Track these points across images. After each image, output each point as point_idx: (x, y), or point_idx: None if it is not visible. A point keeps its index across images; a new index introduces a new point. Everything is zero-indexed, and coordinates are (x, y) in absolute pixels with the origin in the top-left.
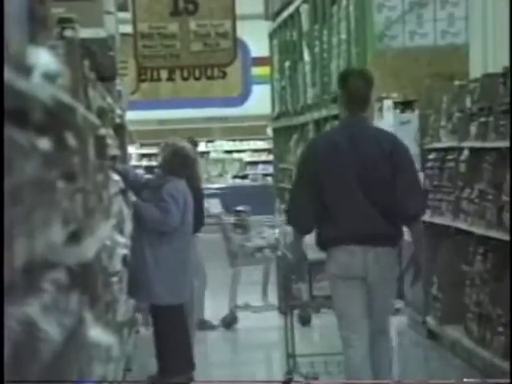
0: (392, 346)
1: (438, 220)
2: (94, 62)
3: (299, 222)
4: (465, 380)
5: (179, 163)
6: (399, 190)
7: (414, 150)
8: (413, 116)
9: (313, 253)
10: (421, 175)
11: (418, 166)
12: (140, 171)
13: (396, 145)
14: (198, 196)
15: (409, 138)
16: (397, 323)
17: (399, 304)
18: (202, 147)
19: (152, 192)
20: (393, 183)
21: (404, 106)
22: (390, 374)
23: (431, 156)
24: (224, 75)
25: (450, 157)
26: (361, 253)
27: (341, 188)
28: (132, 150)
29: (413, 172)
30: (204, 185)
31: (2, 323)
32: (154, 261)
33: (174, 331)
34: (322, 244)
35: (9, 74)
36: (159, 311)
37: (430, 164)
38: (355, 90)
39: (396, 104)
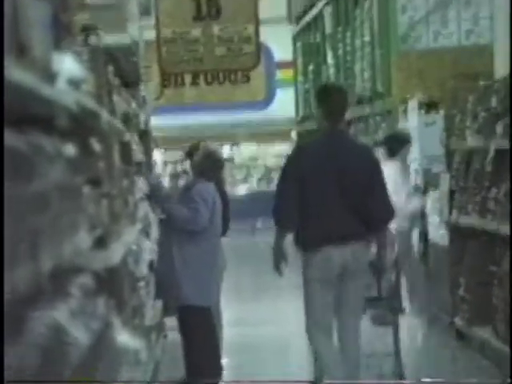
0: (359, 345)
1: (464, 221)
2: (117, 68)
3: (285, 219)
4: (472, 381)
5: (210, 166)
6: (371, 199)
7: (439, 150)
8: (438, 117)
9: None
10: (446, 176)
11: (443, 166)
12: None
13: (371, 156)
14: (225, 199)
15: (434, 138)
16: (425, 324)
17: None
18: (226, 152)
19: (182, 194)
20: (366, 192)
21: (429, 107)
22: (357, 371)
23: (457, 157)
24: (248, 79)
25: (475, 157)
26: (338, 253)
27: (320, 193)
28: (157, 155)
29: (384, 183)
30: (229, 189)
31: (2, 323)
32: (181, 261)
33: (201, 333)
34: (301, 246)
35: (34, 81)
36: (186, 313)
37: (455, 165)
38: (336, 103)
39: (421, 105)
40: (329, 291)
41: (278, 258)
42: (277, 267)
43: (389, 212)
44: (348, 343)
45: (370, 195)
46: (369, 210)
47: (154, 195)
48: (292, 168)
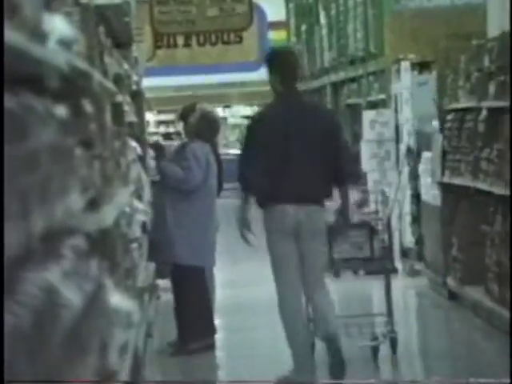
0: (332, 300)
1: (456, 181)
2: (109, 29)
3: (251, 185)
4: (471, 380)
5: (206, 127)
6: (335, 158)
7: (432, 111)
8: (430, 77)
9: (332, 216)
10: (439, 137)
11: (436, 126)
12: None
13: (330, 116)
14: (219, 161)
15: (427, 99)
16: (417, 285)
17: (419, 265)
18: (219, 113)
19: (175, 154)
20: (327, 151)
21: (421, 67)
22: (336, 328)
23: (450, 117)
24: (240, 40)
25: (468, 117)
26: (293, 211)
27: (280, 152)
28: (149, 116)
29: (346, 144)
30: (222, 150)
31: (2, 323)
32: (175, 221)
33: (194, 293)
34: (261, 202)
35: (24, 41)
36: (180, 272)
37: (448, 125)
38: (290, 66)
39: (413, 65)
40: (289, 245)
41: (243, 227)
42: (242, 236)
43: (354, 170)
44: (319, 302)
45: (333, 153)
46: (333, 167)
47: (155, 154)
48: (253, 133)
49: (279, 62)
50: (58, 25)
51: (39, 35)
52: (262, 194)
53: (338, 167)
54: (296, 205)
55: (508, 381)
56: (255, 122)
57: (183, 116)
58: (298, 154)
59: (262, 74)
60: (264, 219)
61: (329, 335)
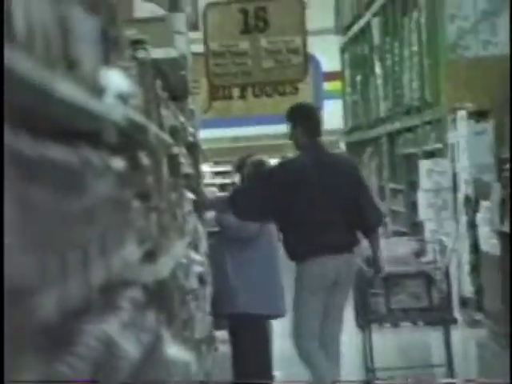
0: (340, 340)
1: None
2: (166, 82)
3: (246, 211)
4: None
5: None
6: (362, 206)
7: (489, 159)
8: (488, 126)
9: (390, 265)
10: (497, 185)
11: (493, 175)
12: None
13: (356, 167)
14: None
15: (484, 147)
16: (477, 335)
17: (479, 316)
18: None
19: None
20: (354, 201)
21: (478, 115)
22: (339, 366)
23: (507, 165)
24: (296, 91)
25: None
26: (332, 262)
27: (311, 205)
28: (205, 168)
29: (369, 190)
30: None
31: (2, 323)
32: (236, 271)
33: (255, 344)
34: (297, 257)
35: (83, 96)
36: (240, 322)
37: (506, 173)
38: (316, 118)
39: (470, 114)
40: (320, 301)
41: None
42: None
43: (379, 215)
44: (332, 350)
45: (358, 203)
46: (360, 215)
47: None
48: (275, 178)
49: (305, 115)
50: (116, 79)
51: (97, 89)
52: (295, 248)
53: (365, 215)
54: (335, 255)
55: (508, 381)
56: (283, 168)
57: (238, 167)
58: (327, 206)
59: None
60: (298, 275)
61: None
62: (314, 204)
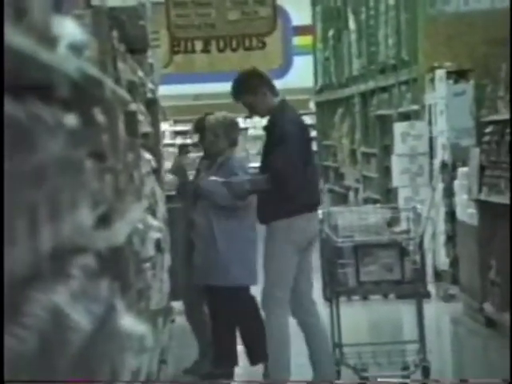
0: (325, 327)
1: (495, 199)
2: (123, 33)
3: (310, 195)
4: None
5: (237, 133)
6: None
7: (468, 123)
8: (468, 86)
9: (360, 235)
10: (476, 151)
11: (473, 140)
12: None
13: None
14: None
15: (463, 110)
16: (452, 310)
17: (453, 289)
18: (240, 123)
19: (217, 169)
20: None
21: (458, 75)
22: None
23: (488, 129)
24: (263, 46)
25: (508, 130)
26: (314, 219)
27: (308, 162)
28: (165, 126)
29: None
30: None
31: (2, 323)
32: (226, 241)
33: (254, 314)
34: (286, 212)
35: (32, 46)
36: (231, 295)
37: (486, 138)
38: (266, 76)
39: (449, 74)
40: (296, 258)
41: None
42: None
43: None
44: (310, 310)
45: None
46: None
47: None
48: (298, 139)
49: (259, 77)
50: (69, 28)
51: (48, 39)
52: (282, 205)
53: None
54: (315, 213)
55: (508, 381)
56: (299, 128)
57: (198, 128)
58: (313, 162)
59: (287, 81)
60: (283, 230)
61: (325, 366)
62: (310, 161)
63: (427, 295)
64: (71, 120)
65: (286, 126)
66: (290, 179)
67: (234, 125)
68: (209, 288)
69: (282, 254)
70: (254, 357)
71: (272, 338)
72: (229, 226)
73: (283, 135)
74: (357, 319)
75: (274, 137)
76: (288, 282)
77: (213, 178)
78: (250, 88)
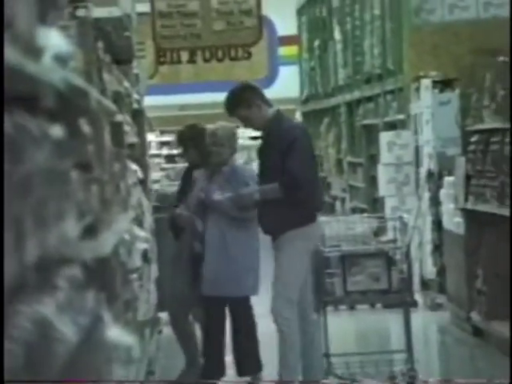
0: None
1: (481, 207)
2: (108, 44)
3: (320, 203)
4: (460, 380)
5: (237, 142)
6: None
7: (454, 132)
8: (453, 96)
9: (347, 245)
10: (462, 160)
11: (458, 149)
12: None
13: None
14: None
15: (449, 119)
16: (439, 319)
17: (440, 299)
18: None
19: (226, 180)
20: None
21: (443, 85)
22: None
23: (474, 138)
24: (249, 56)
25: (494, 139)
26: (319, 225)
27: (316, 169)
28: (151, 137)
29: None
30: None
31: (2, 323)
32: (241, 252)
33: (254, 325)
34: (301, 220)
35: (17, 57)
36: (243, 304)
37: (472, 147)
38: (259, 89)
39: (434, 83)
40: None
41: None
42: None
43: None
44: (312, 319)
45: None
46: None
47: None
48: (307, 145)
49: (252, 89)
50: (54, 39)
51: (33, 50)
52: (297, 213)
53: None
54: (317, 219)
55: (508, 381)
56: (305, 134)
57: (183, 140)
58: (317, 166)
59: (273, 91)
60: (299, 237)
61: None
62: (316, 168)
63: (414, 304)
64: (57, 131)
65: (295, 132)
66: (306, 186)
67: (235, 134)
68: (216, 299)
69: (301, 263)
70: (246, 368)
71: (289, 344)
72: (240, 236)
73: (294, 142)
74: (344, 329)
75: (280, 144)
76: (297, 290)
77: (216, 190)
78: (244, 101)
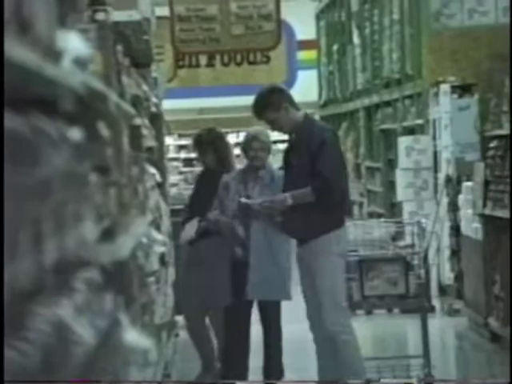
0: None
1: (500, 213)
2: (127, 47)
3: (348, 205)
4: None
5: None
6: None
7: (473, 137)
8: (472, 101)
9: (364, 249)
10: (481, 165)
11: (477, 155)
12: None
13: None
14: None
15: (467, 124)
16: (456, 325)
17: (458, 304)
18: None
19: (264, 186)
20: None
21: (462, 90)
22: None
23: (492, 144)
24: (267, 60)
25: None
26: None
27: (345, 172)
28: (169, 141)
29: None
30: None
31: (2, 323)
32: (282, 257)
33: (280, 331)
34: (336, 223)
35: (37, 60)
36: (276, 307)
37: (491, 152)
38: (288, 92)
39: (454, 88)
40: None
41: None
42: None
43: None
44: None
45: None
46: None
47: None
48: (337, 148)
49: (281, 92)
50: (73, 43)
51: (53, 53)
52: (330, 217)
53: None
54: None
55: (508, 381)
56: (335, 137)
57: (198, 142)
58: (346, 168)
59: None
60: (335, 240)
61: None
62: (346, 171)
63: (432, 310)
64: (75, 134)
65: (325, 135)
66: (338, 189)
67: (269, 136)
68: (247, 303)
69: (341, 267)
70: (272, 372)
71: (353, 350)
72: (282, 241)
73: (323, 144)
74: (361, 333)
75: (310, 147)
76: (344, 295)
77: (260, 194)
78: (272, 104)
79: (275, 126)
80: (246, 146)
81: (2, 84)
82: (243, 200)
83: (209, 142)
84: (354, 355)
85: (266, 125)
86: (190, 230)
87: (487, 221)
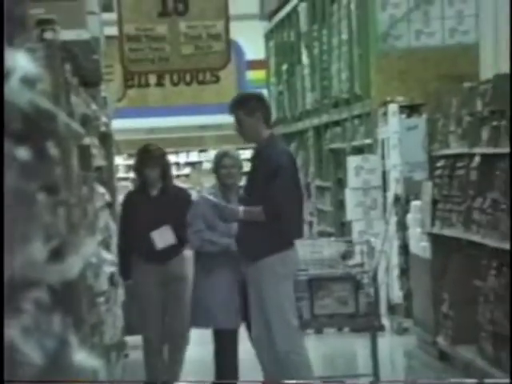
0: None
1: (447, 232)
2: (76, 66)
3: (299, 231)
4: (459, 380)
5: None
6: None
7: (421, 157)
8: (420, 121)
9: (314, 268)
10: (428, 184)
11: (426, 174)
12: None
13: None
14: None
15: (416, 144)
16: (405, 343)
17: (407, 323)
18: (194, 157)
19: (234, 197)
20: None
21: (410, 110)
22: None
23: (440, 163)
24: (217, 80)
25: (459, 164)
26: (296, 250)
27: (299, 197)
28: (119, 160)
29: None
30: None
31: (2, 324)
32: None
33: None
34: (279, 246)
35: None
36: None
37: (438, 172)
38: (269, 107)
39: (402, 108)
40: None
41: None
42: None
43: None
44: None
45: None
46: None
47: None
48: (292, 172)
49: (263, 103)
50: (21, 62)
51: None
52: (276, 238)
53: None
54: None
55: (508, 381)
56: (292, 162)
57: (142, 162)
58: (301, 193)
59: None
60: (281, 263)
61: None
62: (300, 196)
63: (381, 328)
64: (24, 153)
65: (282, 159)
66: (287, 215)
67: (239, 155)
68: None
69: (288, 287)
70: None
71: (306, 369)
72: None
73: (279, 168)
74: (311, 353)
75: (267, 169)
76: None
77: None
78: (249, 107)
79: (241, 129)
80: (217, 163)
81: (2, 88)
82: (204, 196)
83: (158, 157)
84: (307, 377)
85: (234, 123)
86: (165, 236)
87: (435, 240)
